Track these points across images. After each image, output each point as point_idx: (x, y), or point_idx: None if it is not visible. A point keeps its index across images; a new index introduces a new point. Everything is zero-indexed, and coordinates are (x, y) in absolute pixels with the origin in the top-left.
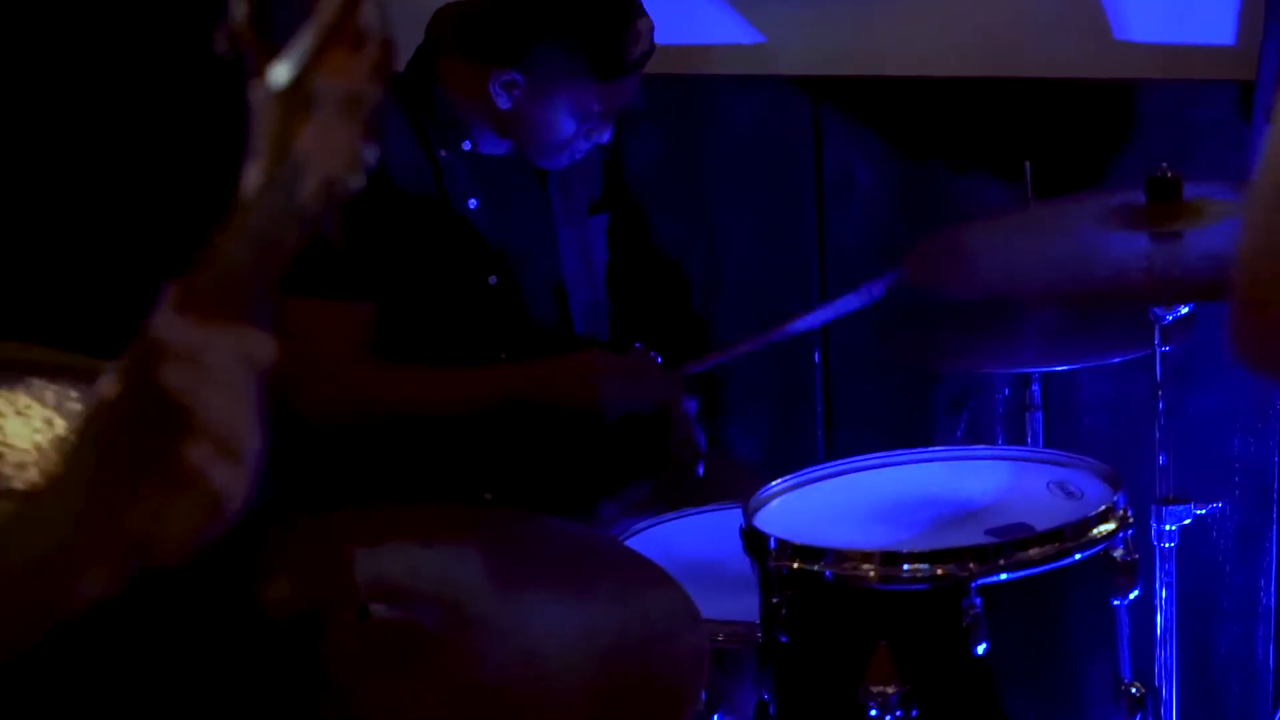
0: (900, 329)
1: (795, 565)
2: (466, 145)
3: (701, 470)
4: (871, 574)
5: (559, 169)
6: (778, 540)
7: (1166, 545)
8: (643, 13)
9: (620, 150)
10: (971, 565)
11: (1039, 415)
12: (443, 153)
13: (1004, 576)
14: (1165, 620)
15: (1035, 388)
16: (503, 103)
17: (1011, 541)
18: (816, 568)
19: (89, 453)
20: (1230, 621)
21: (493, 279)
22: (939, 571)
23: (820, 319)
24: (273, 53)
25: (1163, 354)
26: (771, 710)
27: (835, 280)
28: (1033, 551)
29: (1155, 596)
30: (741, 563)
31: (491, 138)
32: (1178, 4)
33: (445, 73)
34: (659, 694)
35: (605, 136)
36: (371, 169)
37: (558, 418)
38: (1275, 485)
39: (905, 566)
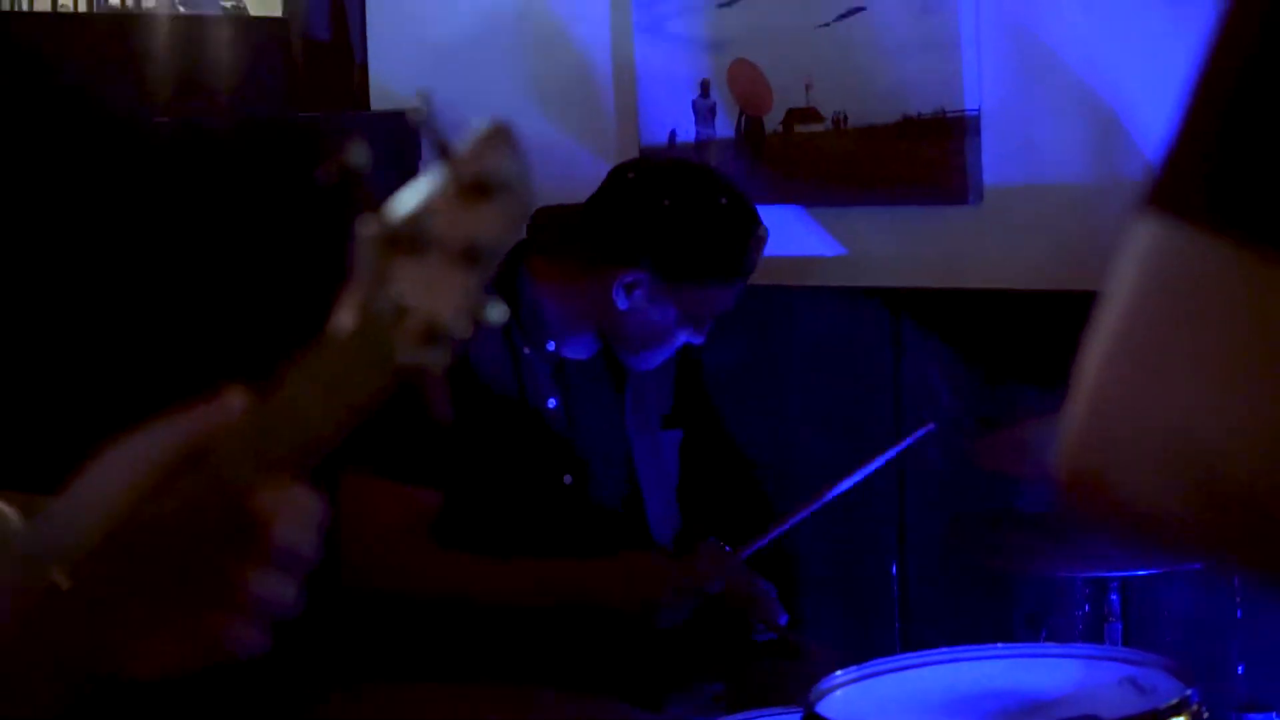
0: (976, 532)
1: None
2: (551, 346)
3: (770, 636)
4: None
5: (641, 374)
6: None
7: None
8: (761, 221)
9: (698, 365)
10: None
11: (1119, 626)
12: (526, 350)
13: None
14: None
15: (1114, 597)
16: (622, 303)
17: None
18: None
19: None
20: None
21: (568, 478)
22: None
23: (864, 474)
24: (375, 200)
25: None
26: None
27: (912, 489)
28: None
29: None
30: None
31: (577, 341)
32: None
33: (540, 272)
34: None
35: (700, 339)
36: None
37: (611, 619)
38: None
39: None
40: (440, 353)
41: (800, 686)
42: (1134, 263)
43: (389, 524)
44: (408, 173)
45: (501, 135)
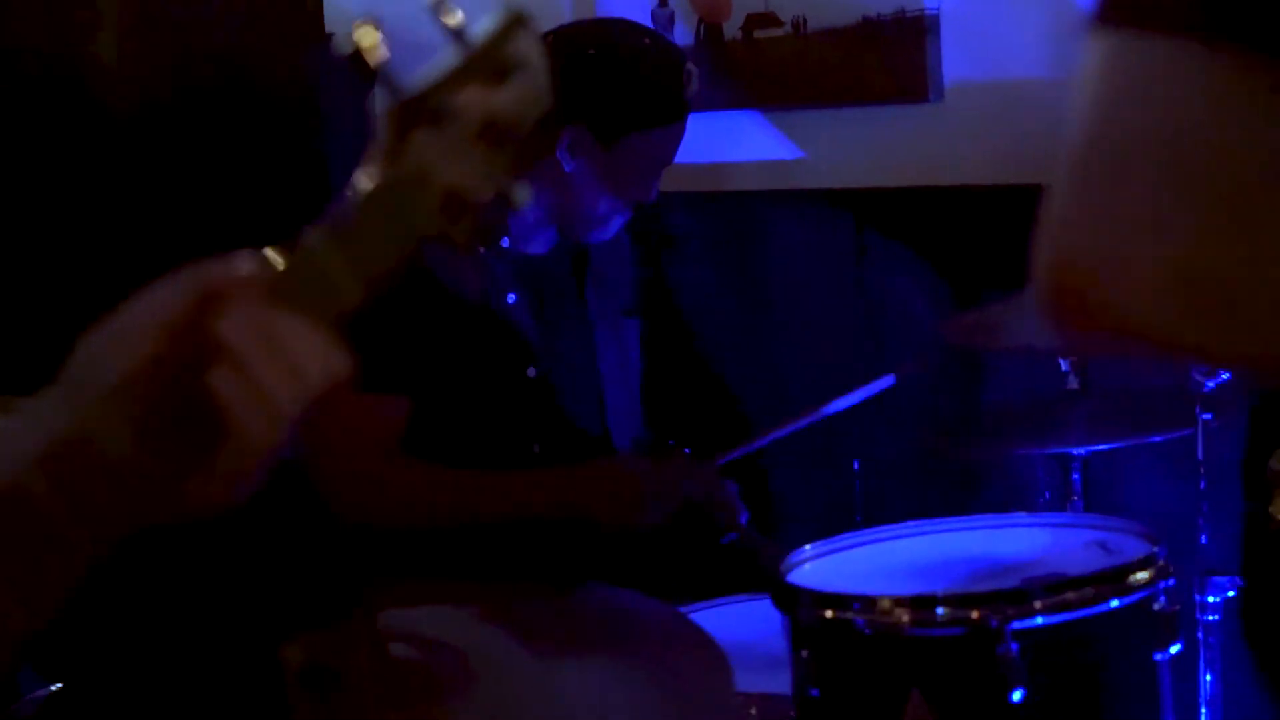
0: (939, 424)
1: (826, 614)
2: (505, 242)
3: (733, 538)
4: (905, 619)
5: (602, 269)
6: (808, 591)
7: (1210, 619)
8: (688, 59)
9: (659, 262)
10: (1007, 609)
11: (1080, 505)
12: (481, 250)
13: (1040, 621)
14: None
15: (1076, 476)
16: (568, 165)
17: (1048, 585)
18: (848, 615)
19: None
20: None
21: (531, 371)
22: (973, 615)
23: (847, 404)
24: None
25: (1205, 423)
26: None
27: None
28: (1069, 595)
29: (1200, 678)
30: (776, 644)
31: (535, 236)
32: None
33: None
34: None
35: (653, 194)
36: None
37: (589, 529)
38: None
39: (939, 610)
40: (465, 225)
41: (763, 580)
42: (1098, 77)
43: (359, 436)
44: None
45: (519, 21)
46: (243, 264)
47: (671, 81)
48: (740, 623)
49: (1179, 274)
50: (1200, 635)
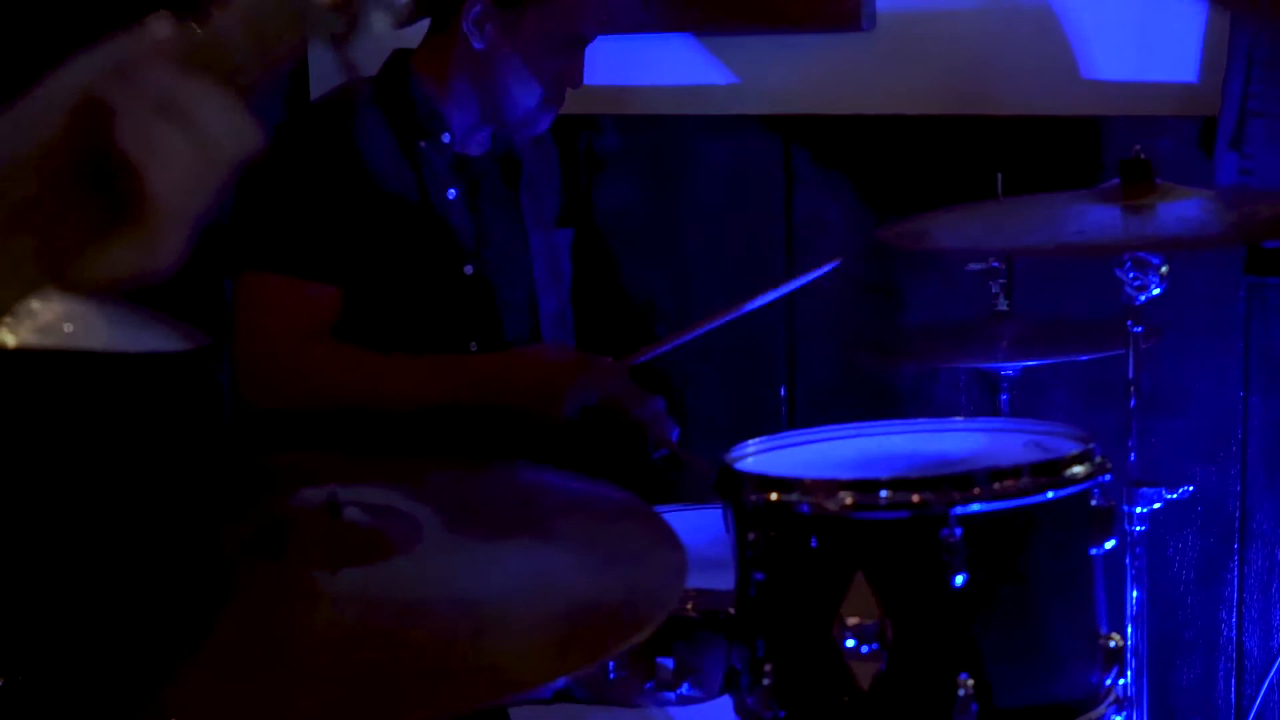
0: (867, 323)
1: (771, 497)
2: (446, 138)
3: (663, 453)
4: (848, 500)
5: (533, 170)
6: (753, 476)
7: (1138, 529)
8: None
9: (583, 176)
10: (952, 493)
11: None
12: (422, 144)
13: (981, 508)
14: (1135, 611)
15: (1004, 397)
16: (477, 42)
17: (991, 470)
18: (792, 498)
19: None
20: (1194, 653)
21: (469, 268)
22: (916, 499)
23: (760, 302)
24: None
25: (1135, 337)
26: (741, 664)
27: (802, 316)
28: (1009, 483)
29: (1125, 593)
30: (713, 549)
31: (471, 134)
32: (1143, 43)
33: (421, 62)
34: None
35: (578, 80)
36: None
37: (514, 417)
38: (1237, 516)
39: (883, 494)
40: (350, 19)
41: (692, 491)
42: None
43: (289, 321)
44: None
45: None
46: (156, 30)
47: None
48: (681, 527)
49: None
50: (1128, 543)
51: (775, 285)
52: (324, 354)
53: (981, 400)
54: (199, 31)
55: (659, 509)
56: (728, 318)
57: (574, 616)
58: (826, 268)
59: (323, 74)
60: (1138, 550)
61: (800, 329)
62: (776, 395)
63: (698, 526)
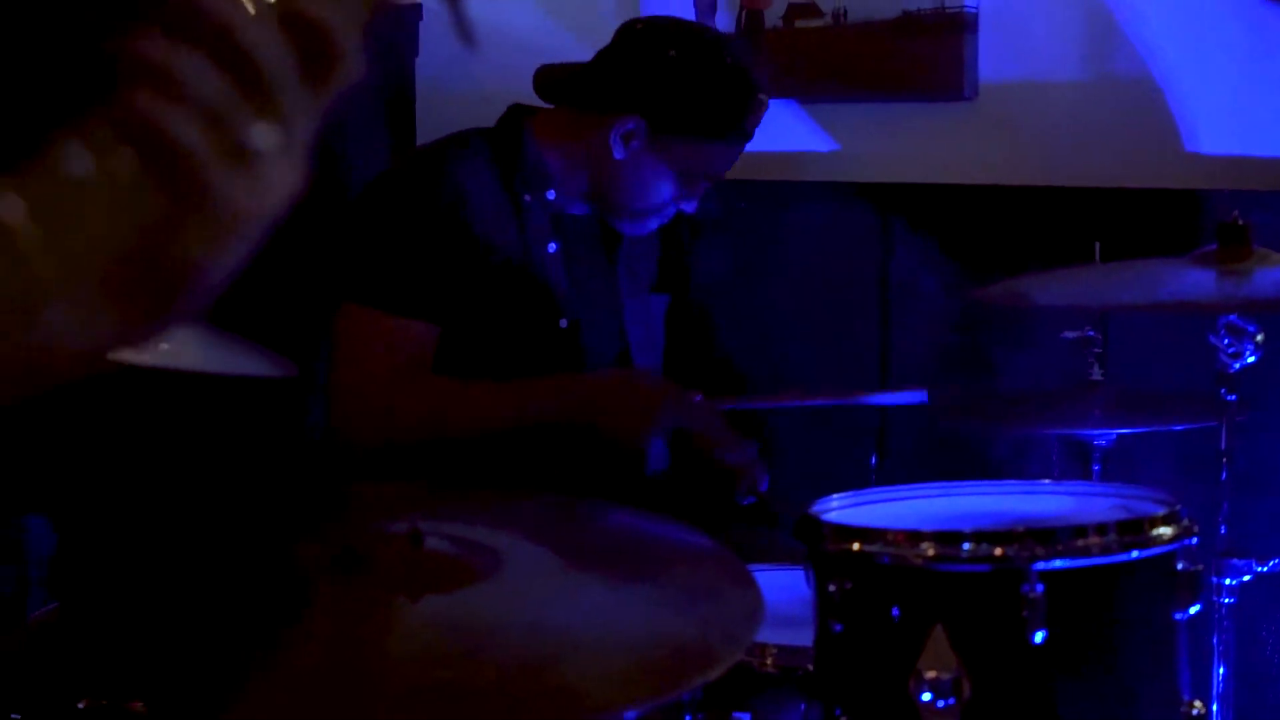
0: (960, 391)
1: (852, 547)
2: (551, 194)
3: (751, 500)
4: (930, 552)
5: (635, 237)
6: (834, 525)
7: (1226, 601)
8: (764, 88)
9: (685, 245)
10: (1035, 548)
11: None
12: (527, 197)
13: (1064, 564)
14: (1220, 687)
15: (1096, 468)
16: (618, 152)
17: (1075, 527)
18: (874, 548)
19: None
20: None
21: (564, 322)
22: (998, 552)
23: (871, 401)
24: None
25: (1229, 406)
26: (816, 718)
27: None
28: (1093, 539)
29: (1213, 669)
30: (796, 608)
31: (576, 198)
32: (1245, 117)
33: (541, 126)
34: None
35: (691, 206)
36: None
37: (604, 440)
38: None
39: (965, 546)
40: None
41: (779, 552)
42: None
43: (388, 357)
44: None
45: None
46: None
47: (739, 105)
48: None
49: None
50: (1215, 617)
51: (866, 392)
52: (416, 385)
53: (1074, 469)
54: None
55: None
56: (815, 402)
57: (646, 649)
58: (915, 397)
59: (428, 119)
60: (1225, 624)
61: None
62: (867, 463)
63: (784, 585)
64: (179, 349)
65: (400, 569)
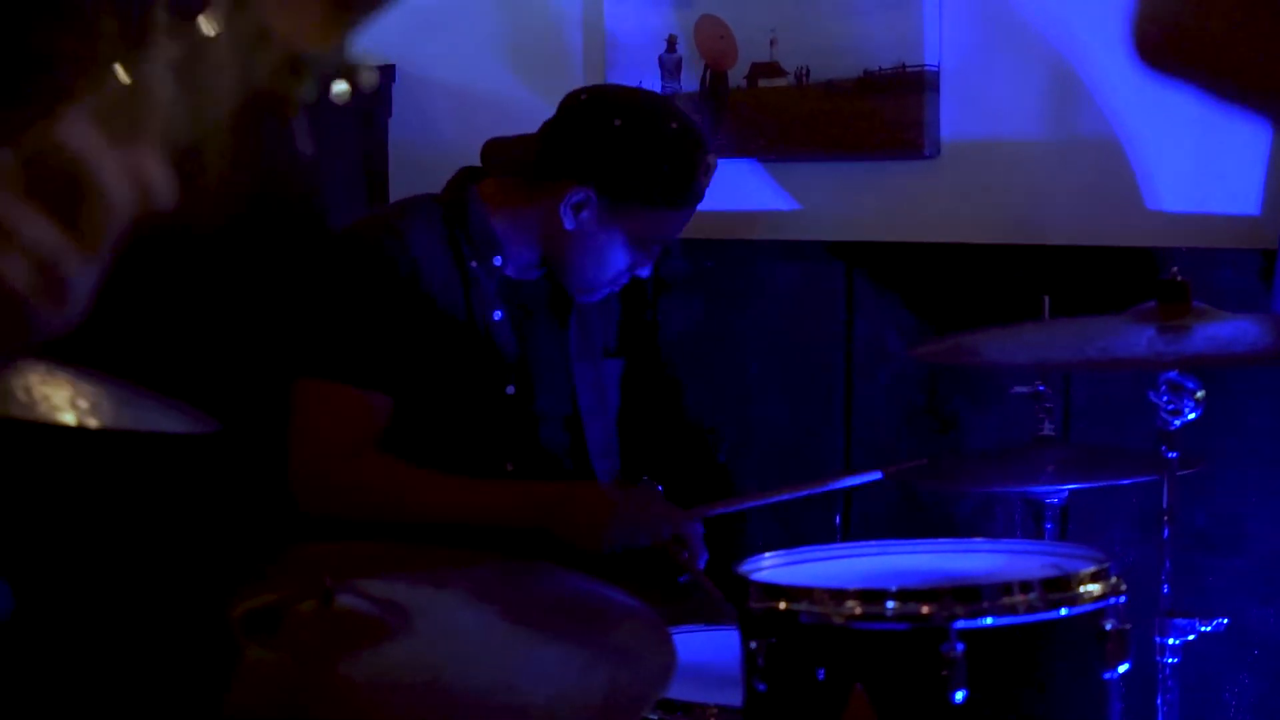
0: (919, 450)
1: (778, 606)
2: (498, 261)
3: (685, 579)
4: (857, 611)
5: (588, 305)
6: (760, 584)
7: (1170, 661)
8: (710, 149)
9: (648, 304)
10: (955, 607)
11: None
12: (473, 264)
13: (988, 621)
14: None
15: (1049, 526)
16: (569, 223)
17: (998, 585)
18: (798, 607)
19: None
20: None
21: (510, 389)
22: (923, 610)
23: (838, 486)
24: None
25: (1171, 463)
26: None
27: (857, 448)
28: (1018, 598)
29: None
30: (736, 667)
31: (525, 267)
32: (1206, 176)
33: (490, 194)
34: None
35: (646, 271)
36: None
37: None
38: None
39: (889, 605)
40: (305, 88)
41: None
42: None
43: (346, 430)
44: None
45: None
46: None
47: (688, 170)
48: (703, 645)
49: None
50: (1160, 678)
51: (820, 482)
52: (377, 468)
53: (1032, 527)
54: (126, 81)
55: (696, 626)
56: (778, 499)
57: (552, 707)
58: (870, 477)
59: (401, 178)
60: (1170, 684)
61: (856, 458)
62: (831, 523)
63: (727, 645)
64: (95, 406)
65: (309, 629)
